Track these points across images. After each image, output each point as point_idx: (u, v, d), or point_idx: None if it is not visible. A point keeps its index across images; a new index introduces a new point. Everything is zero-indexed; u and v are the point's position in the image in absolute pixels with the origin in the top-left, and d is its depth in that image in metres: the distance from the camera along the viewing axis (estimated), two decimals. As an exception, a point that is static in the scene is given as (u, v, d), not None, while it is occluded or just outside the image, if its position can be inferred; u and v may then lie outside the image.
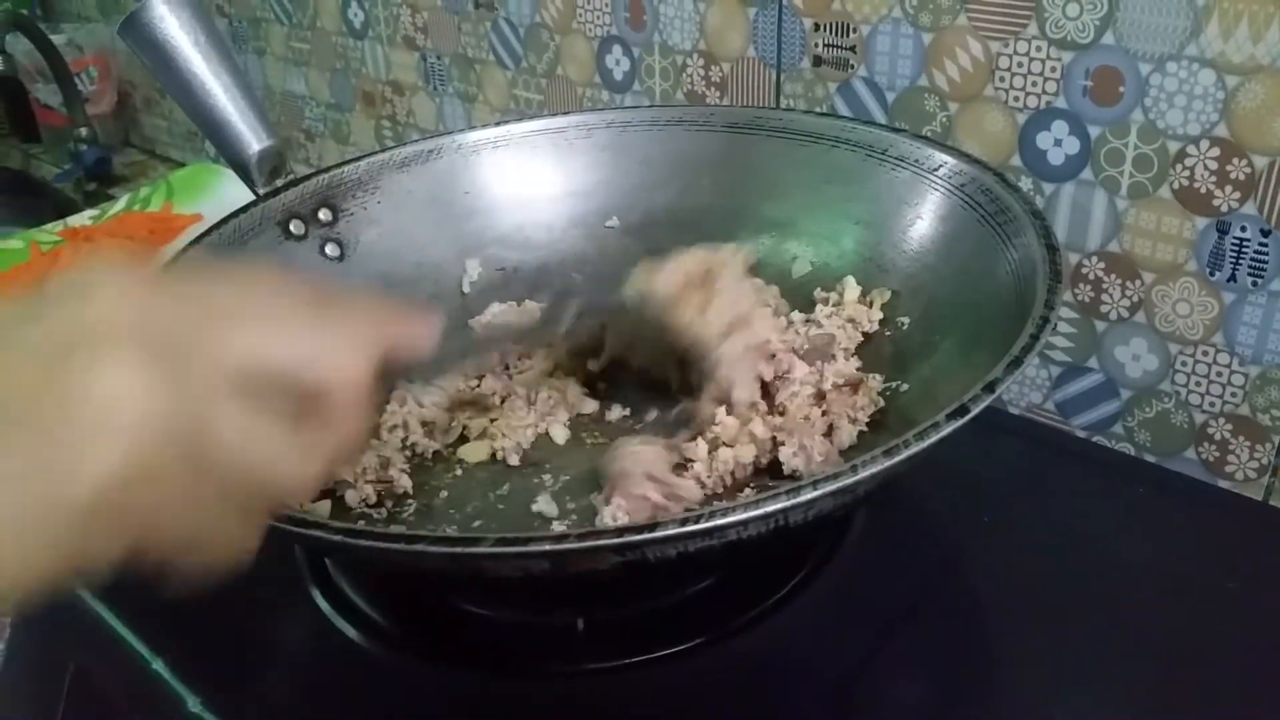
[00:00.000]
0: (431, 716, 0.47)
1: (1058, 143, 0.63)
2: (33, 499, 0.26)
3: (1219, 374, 0.62)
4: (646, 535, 0.34)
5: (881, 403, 0.53)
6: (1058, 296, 0.44)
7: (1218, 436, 0.63)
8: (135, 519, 0.28)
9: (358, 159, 0.66)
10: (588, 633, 0.48)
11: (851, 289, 0.59)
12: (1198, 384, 0.63)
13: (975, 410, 0.38)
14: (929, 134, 0.68)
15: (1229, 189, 0.58)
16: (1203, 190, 0.58)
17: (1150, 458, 0.66)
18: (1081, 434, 0.69)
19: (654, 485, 0.47)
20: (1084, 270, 0.65)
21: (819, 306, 0.60)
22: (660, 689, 0.47)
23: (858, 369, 0.55)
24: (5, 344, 0.28)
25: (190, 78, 0.58)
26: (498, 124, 0.69)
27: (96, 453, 0.27)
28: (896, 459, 0.36)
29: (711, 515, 0.34)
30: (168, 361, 0.28)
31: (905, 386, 0.53)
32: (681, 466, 0.50)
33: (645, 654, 0.47)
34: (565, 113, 0.70)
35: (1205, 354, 0.62)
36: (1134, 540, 0.53)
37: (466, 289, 0.66)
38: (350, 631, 0.50)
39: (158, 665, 0.49)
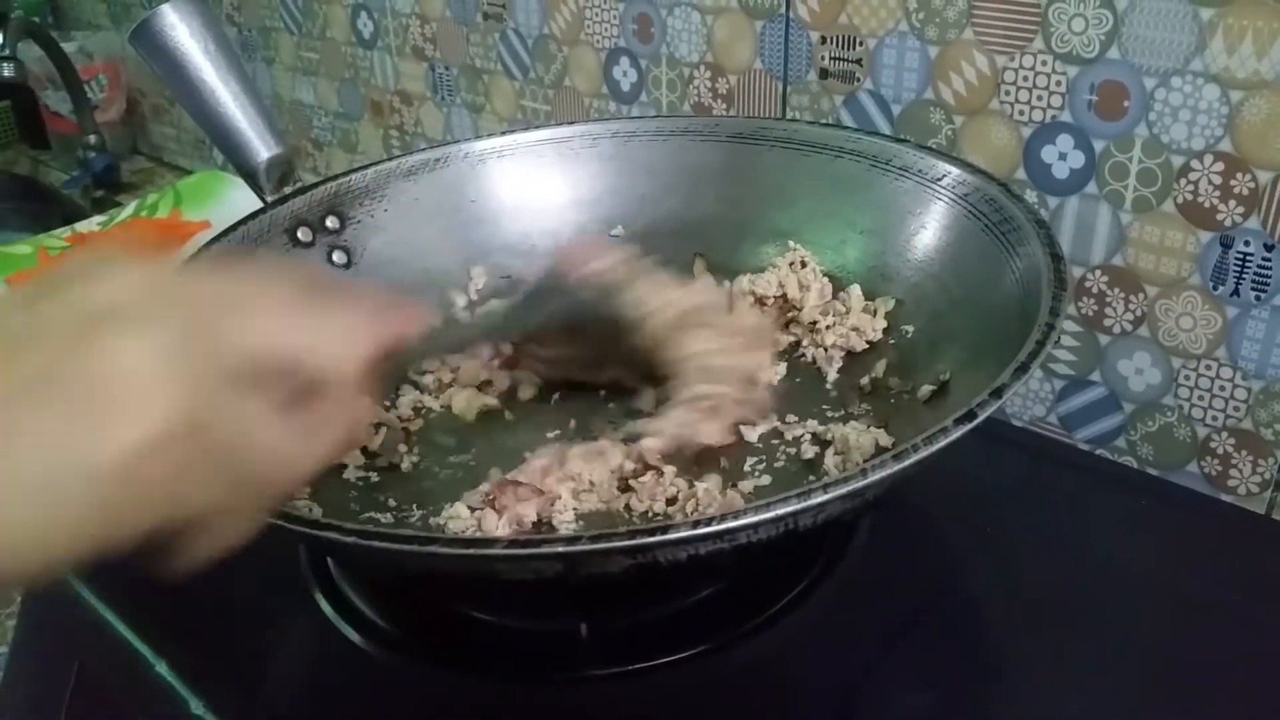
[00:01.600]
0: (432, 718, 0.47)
1: (1062, 156, 0.63)
2: (58, 467, 0.27)
3: (1222, 388, 0.62)
4: (659, 537, 0.34)
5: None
6: (1063, 304, 0.44)
7: (1220, 451, 0.63)
8: (151, 493, 0.28)
9: (365, 167, 0.67)
10: (591, 638, 0.48)
11: (857, 298, 0.60)
12: (1200, 398, 0.63)
13: (983, 415, 0.38)
14: (934, 147, 0.68)
15: (1233, 203, 0.58)
16: (1206, 205, 0.59)
17: (1153, 471, 0.66)
18: (1084, 447, 0.69)
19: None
20: (1087, 284, 0.65)
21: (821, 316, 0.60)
22: (663, 696, 0.47)
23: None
24: (26, 319, 0.29)
25: (200, 85, 0.59)
26: (504, 133, 0.69)
27: (121, 423, 0.27)
28: (906, 463, 0.36)
29: (723, 518, 0.34)
30: (182, 343, 0.29)
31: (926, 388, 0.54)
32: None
33: (648, 661, 0.47)
34: (571, 123, 0.70)
35: (1208, 368, 0.62)
36: (1136, 552, 0.53)
37: (473, 295, 0.66)
38: (353, 635, 0.50)
39: (161, 668, 0.49)
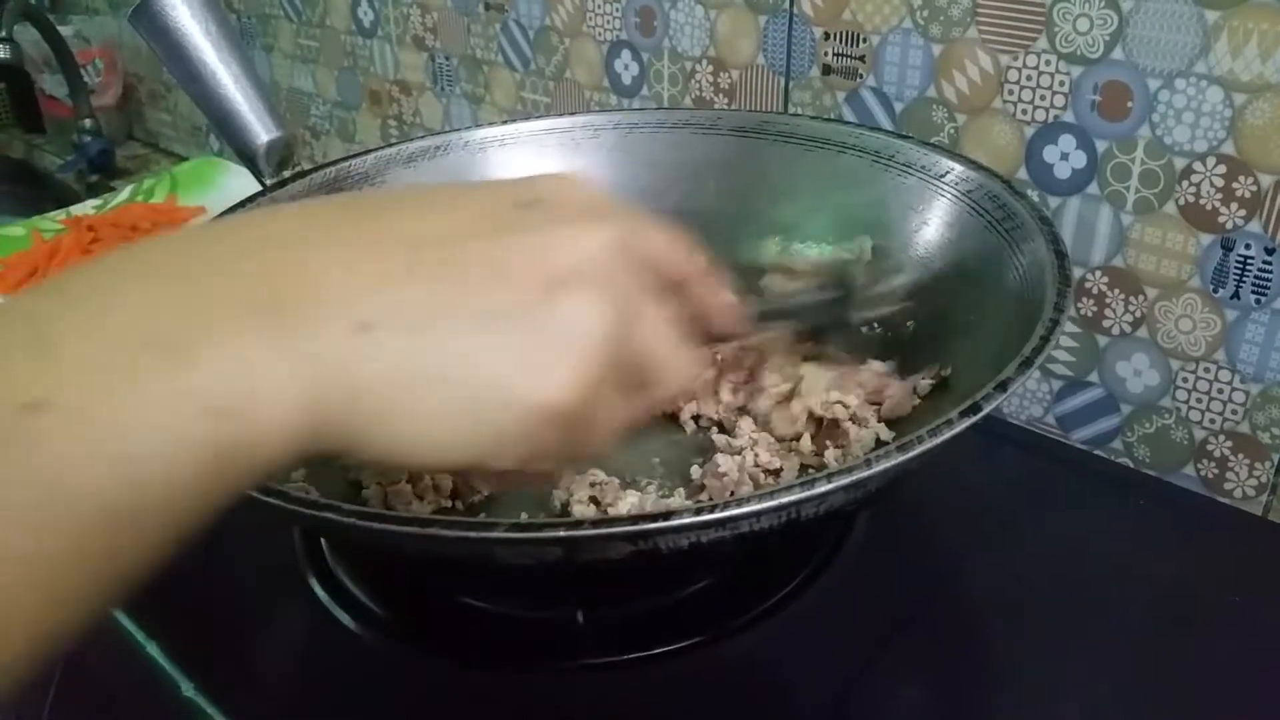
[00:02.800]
0: (426, 707, 0.46)
1: (1064, 156, 0.63)
2: (496, 391, 0.28)
3: (1220, 391, 0.62)
4: (661, 524, 0.34)
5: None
6: (1067, 300, 0.44)
7: (1217, 453, 0.63)
8: (553, 443, 0.29)
9: (365, 153, 0.66)
10: (587, 627, 0.48)
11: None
12: (1198, 401, 0.63)
13: (988, 408, 0.38)
14: (936, 144, 0.68)
15: (1234, 206, 0.58)
16: (1208, 207, 0.59)
17: (1149, 473, 0.66)
18: (1081, 448, 0.69)
19: None
20: (1087, 284, 0.65)
21: None
22: (657, 686, 0.46)
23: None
24: (511, 231, 0.29)
25: (200, 67, 0.58)
26: (505, 122, 0.69)
27: (556, 382, 0.28)
28: (909, 455, 0.36)
29: (726, 506, 0.34)
30: (625, 308, 0.30)
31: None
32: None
33: (643, 651, 0.47)
34: (573, 113, 0.70)
35: (1207, 371, 0.62)
36: (1134, 552, 0.53)
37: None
38: (346, 620, 0.49)
39: (151, 649, 0.49)
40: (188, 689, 0.46)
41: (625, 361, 0.30)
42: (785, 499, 0.35)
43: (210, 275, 0.26)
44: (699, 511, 0.34)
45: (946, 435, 0.37)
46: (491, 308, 0.28)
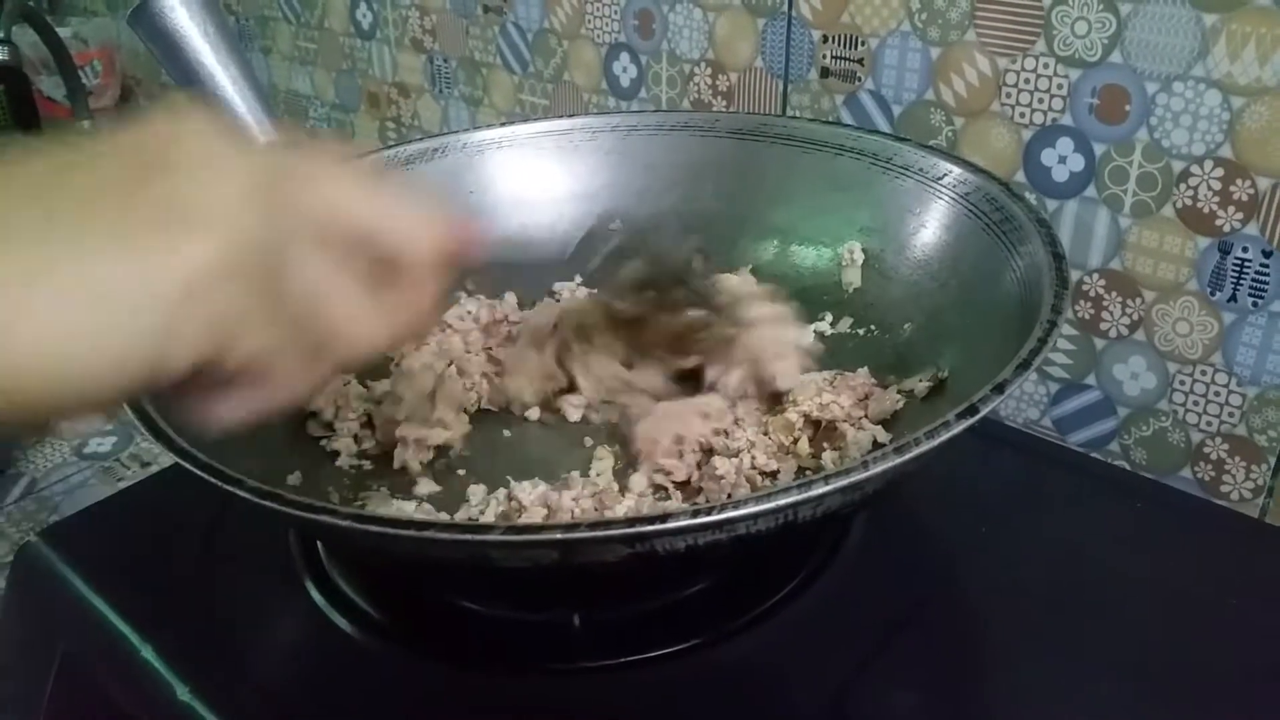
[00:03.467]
0: (422, 710, 0.46)
1: (1062, 160, 0.63)
2: (121, 278, 0.26)
3: (1217, 394, 0.62)
4: (658, 526, 0.34)
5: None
6: (1065, 302, 0.44)
7: (1214, 456, 0.63)
8: (216, 323, 0.28)
9: (363, 155, 0.66)
10: (583, 631, 0.48)
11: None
12: (1195, 403, 0.63)
13: (985, 410, 0.38)
14: (934, 147, 0.68)
15: (1232, 209, 0.58)
16: (1205, 210, 0.59)
17: (1147, 476, 0.66)
18: (1078, 450, 0.69)
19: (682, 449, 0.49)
20: (1085, 287, 0.65)
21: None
22: (654, 689, 0.46)
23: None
24: (99, 147, 0.29)
25: (198, 69, 0.58)
26: (504, 124, 0.69)
27: (190, 242, 0.27)
28: (907, 456, 0.36)
29: (723, 508, 0.34)
30: (260, 192, 0.29)
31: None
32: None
33: (640, 654, 0.47)
34: (572, 115, 0.70)
35: (1204, 374, 0.62)
36: (1131, 555, 0.53)
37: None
38: (342, 623, 0.49)
39: (147, 652, 0.49)
40: (183, 692, 0.46)
41: (288, 313, 0.29)
42: (782, 501, 0.35)
43: None
44: (696, 514, 0.34)
45: (944, 437, 0.37)
46: (96, 183, 0.27)
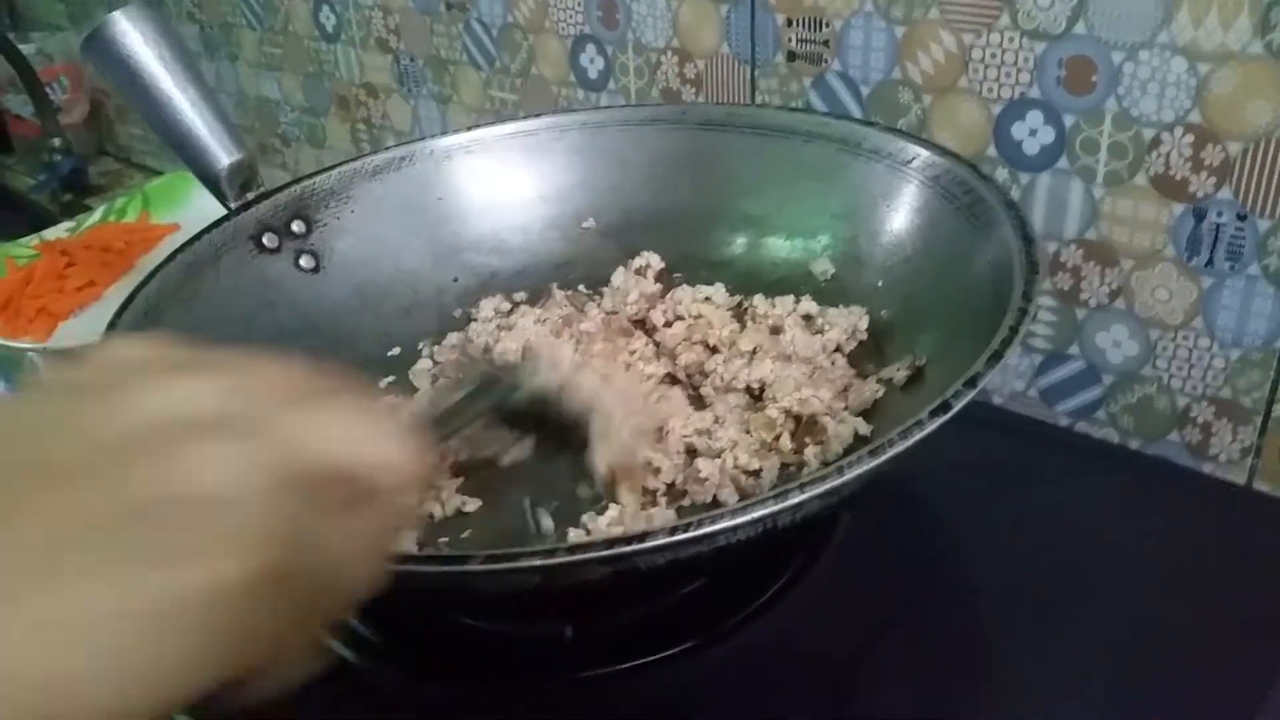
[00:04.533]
0: (422, 729, 0.46)
1: (1033, 133, 0.63)
2: (156, 597, 0.23)
3: (1200, 358, 0.62)
4: (636, 546, 0.34)
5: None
6: (1035, 288, 0.44)
7: (1200, 420, 0.63)
8: (245, 626, 0.24)
9: (329, 169, 0.66)
10: (576, 641, 0.48)
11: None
12: (1179, 368, 0.63)
13: (958, 406, 0.38)
14: (904, 127, 0.68)
15: (1204, 175, 0.58)
16: (1178, 177, 0.59)
17: (1134, 443, 0.66)
18: (1065, 421, 0.69)
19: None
20: (1062, 259, 0.65)
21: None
22: (651, 693, 0.47)
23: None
24: (74, 434, 0.25)
25: (156, 94, 0.58)
26: (470, 128, 0.68)
27: (224, 554, 0.23)
28: (881, 459, 0.36)
29: (700, 523, 0.34)
30: (266, 456, 0.25)
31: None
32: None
33: (635, 659, 0.47)
34: (538, 115, 0.69)
35: (1186, 338, 0.62)
36: (1121, 528, 0.53)
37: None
38: (339, 648, 0.49)
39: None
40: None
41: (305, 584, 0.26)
42: (760, 512, 0.35)
43: None
44: (674, 531, 0.34)
45: (918, 436, 0.37)
46: (102, 495, 0.23)
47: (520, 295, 0.65)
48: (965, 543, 0.54)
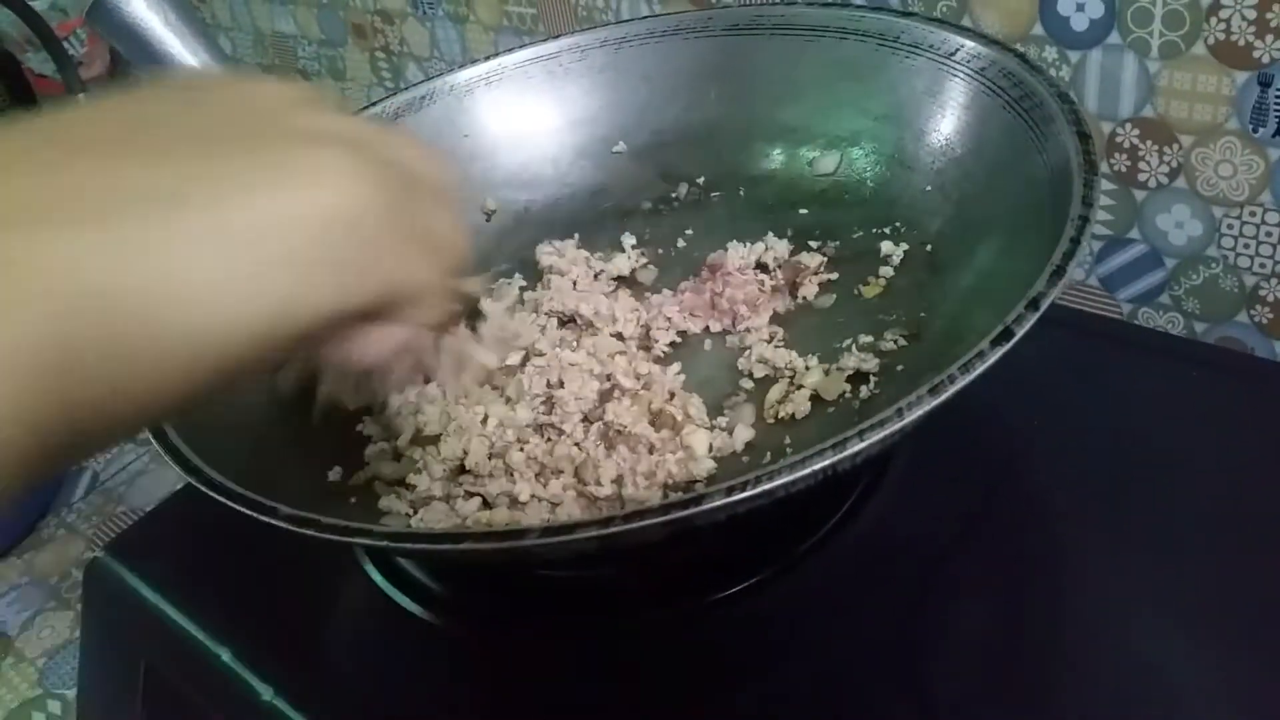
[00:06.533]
0: (496, 678, 0.47)
1: (1080, 7, 0.59)
2: (261, 224, 0.26)
3: (1268, 234, 0.59)
4: (693, 510, 0.33)
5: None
6: (1095, 191, 0.42)
7: (1270, 298, 0.61)
8: (362, 256, 0.28)
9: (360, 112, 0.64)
10: (645, 583, 0.48)
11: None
12: (1246, 246, 0.60)
13: (1020, 332, 0.36)
14: (944, 11, 0.64)
15: (1270, 38, 0.54)
16: (1240, 43, 0.55)
17: (1200, 325, 0.64)
18: (1128, 307, 0.66)
19: None
20: (1118, 139, 0.62)
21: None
22: (722, 628, 0.46)
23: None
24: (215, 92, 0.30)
25: (165, 59, 0.56)
26: (488, 58, 0.66)
27: (330, 186, 0.27)
28: (942, 397, 0.35)
29: (757, 481, 0.33)
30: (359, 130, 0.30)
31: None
32: None
33: (703, 597, 0.47)
34: (556, 36, 0.66)
35: (1252, 215, 0.59)
36: (1193, 428, 0.51)
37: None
38: (408, 604, 0.50)
39: (226, 656, 0.50)
40: (267, 694, 0.47)
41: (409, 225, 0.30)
42: (819, 464, 0.34)
43: None
44: (730, 491, 0.33)
45: (979, 369, 0.35)
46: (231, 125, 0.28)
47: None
48: (1031, 456, 0.52)
